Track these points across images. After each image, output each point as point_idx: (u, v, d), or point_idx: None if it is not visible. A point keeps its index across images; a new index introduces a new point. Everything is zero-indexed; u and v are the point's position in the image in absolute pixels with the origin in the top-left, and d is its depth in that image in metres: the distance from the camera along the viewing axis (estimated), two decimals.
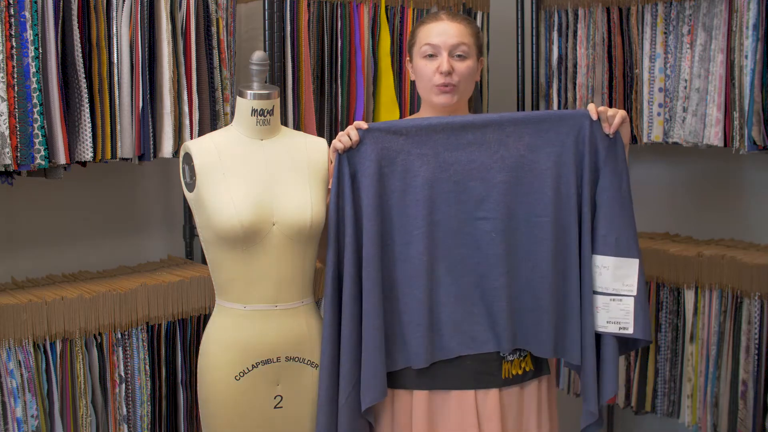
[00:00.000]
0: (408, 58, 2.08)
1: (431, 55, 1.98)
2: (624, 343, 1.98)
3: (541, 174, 1.92)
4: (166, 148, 2.29)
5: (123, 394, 2.27)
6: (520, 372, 1.98)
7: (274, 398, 1.96)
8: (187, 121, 2.32)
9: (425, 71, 1.98)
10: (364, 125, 1.91)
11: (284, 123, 2.44)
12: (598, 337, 1.95)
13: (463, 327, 1.93)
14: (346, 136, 1.90)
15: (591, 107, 1.93)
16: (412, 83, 2.64)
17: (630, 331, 1.94)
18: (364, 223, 1.90)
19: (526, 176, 1.92)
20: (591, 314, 1.93)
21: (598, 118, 1.91)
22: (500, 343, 1.93)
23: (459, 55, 1.97)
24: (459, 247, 1.92)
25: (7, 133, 2.01)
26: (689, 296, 2.77)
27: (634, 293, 1.94)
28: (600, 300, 1.94)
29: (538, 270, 1.93)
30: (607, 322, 1.95)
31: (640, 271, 1.95)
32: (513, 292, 1.93)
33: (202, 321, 2.40)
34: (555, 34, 3.06)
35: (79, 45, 2.12)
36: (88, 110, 2.15)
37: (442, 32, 1.97)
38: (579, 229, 1.93)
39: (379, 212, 1.91)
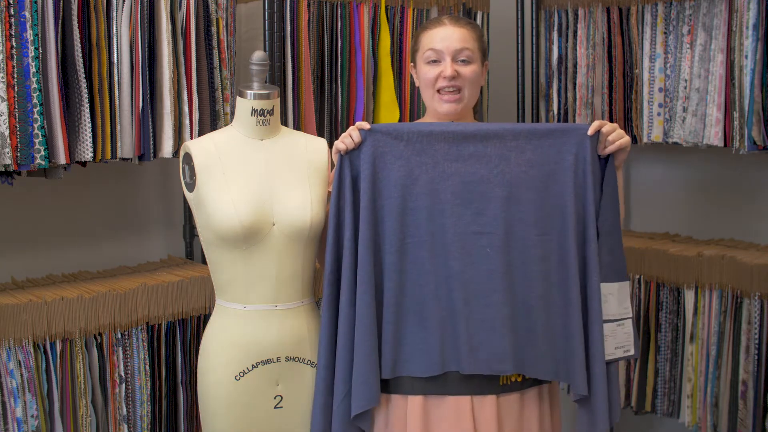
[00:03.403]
0: (411, 64, 2.06)
1: (435, 61, 1.96)
2: None
3: (539, 192, 1.88)
4: (166, 148, 2.29)
5: (123, 394, 2.27)
6: (519, 379, 1.93)
7: (274, 398, 1.96)
8: (187, 121, 2.32)
9: (429, 77, 1.96)
10: (366, 126, 1.88)
11: (284, 123, 2.44)
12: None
13: (452, 344, 1.88)
14: (349, 137, 1.88)
15: (594, 124, 1.88)
16: (413, 83, 2.65)
17: (632, 352, 1.93)
18: (360, 227, 1.88)
19: (525, 193, 1.88)
20: (601, 343, 1.88)
21: (597, 136, 1.88)
22: (492, 366, 1.87)
23: (463, 60, 1.95)
24: (453, 260, 1.87)
25: (7, 133, 2.01)
26: (689, 296, 2.77)
27: (631, 315, 1.94)
28: (609, 327, 1.90)
29: (535, 289, 1.88)
30: (615, 348, 1.92)
31: (629, 291, 1.95)
32: (507, 312, 1.88)
33: (202, 321, 2.40)
34: (555, 34, 3.06)
35: (79, 45, 2.12)
36: (88, 110, 2.15)
37: (445, 37, 1.95)
38: (584, 251, 1.89)
39: (373, 217, 1.88)
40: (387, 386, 1.92)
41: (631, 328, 1.93)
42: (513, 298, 1.88)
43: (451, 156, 1.89)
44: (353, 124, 1.95)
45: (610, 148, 1.88)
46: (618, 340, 1.92)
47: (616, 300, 1.91)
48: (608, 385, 1.91)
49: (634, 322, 1.94)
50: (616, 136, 1.88)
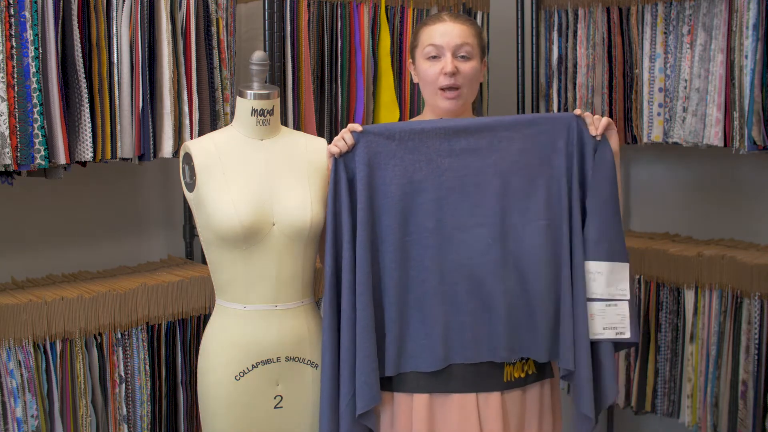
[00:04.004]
0: (410, 60, 2.07)
1: (435, 57, 1.96)
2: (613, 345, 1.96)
3: (533, 179, 1.91)
4: (166, 148, 2.29)
5: (123, 394, 2.27)
6: (522, 375, 1.94)
7: (274, 398, 1.96)
8: (187, 121, 2.32)
9: (429, 73, 1.97)
10: (358, 128, 1.90)
11: (284, 123, 2.44)
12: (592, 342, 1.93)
13: (455, 336, 1.90)
14: (342, 140, 1.90)
15: (577, 110, 1.94)
16: (412, 83, 2.65)
17: (627, 335, 1.92)
18: (357, 228, 1.89)
19: (519, 181, 1.90)
20: (585, 320, 1.89)
21: (583, 121, 1.92)
22: (498, 352, 1.90)
23: (463, 56, 1.95)
24: (453, 254, 1.90)
25: (7, 133, 2.01)
26: (689, 296, 2.77)
27: (628, 297, 1.93)
28: (596, 306, 1.91)
29: (533, 275, 1.90)
30: (604, 328, 1.92)
31: (630, 274, 1.94)
32: (509, 299, 1.90)
33: (202, 321, 2.40)
34: (555, 34, 3.06)
35: (79, 45, 2.13)
36: (88, 110, 2.15)
37: (445, 33, 1.95)
38: (570, 231, 1.91)
39: (370, 218, 1.89)
40: (392, 384, 1.93)
41: (627, 310, 1.92)
42: (513, 286, 1.90)
43: (444, 152, 1.91)
44: (347, 127, 1.95)
45: (602, 123, 1.90)
46: (608, 320, 1.92)
47: (604, 279, 1.91)
48: (598, 366, 1.91)
49: (633, 306, 1.93)
50: (598, 117, 1.92)
